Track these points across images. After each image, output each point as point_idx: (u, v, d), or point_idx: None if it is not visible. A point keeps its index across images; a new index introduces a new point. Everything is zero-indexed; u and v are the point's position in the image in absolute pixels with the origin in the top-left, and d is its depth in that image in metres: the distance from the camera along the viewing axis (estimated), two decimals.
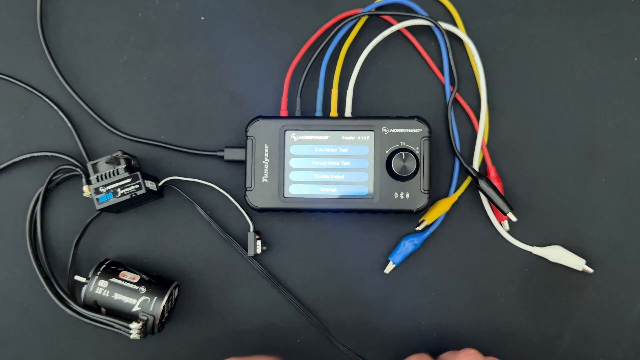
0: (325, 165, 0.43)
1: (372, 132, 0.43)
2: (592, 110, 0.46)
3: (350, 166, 0.43)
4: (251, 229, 0.45)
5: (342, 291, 0.46)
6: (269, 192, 0.43)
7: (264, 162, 0.43)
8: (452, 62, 0.45)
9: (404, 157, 0.42)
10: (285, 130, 0.43)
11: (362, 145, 0.43)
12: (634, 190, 0.45)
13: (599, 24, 0.46)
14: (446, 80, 0.46)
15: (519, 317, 0.45)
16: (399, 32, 0.46)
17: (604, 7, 0.46)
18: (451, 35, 0.45)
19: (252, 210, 0.44)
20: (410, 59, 0.46)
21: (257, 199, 0.43)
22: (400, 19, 0.45)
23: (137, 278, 0.43)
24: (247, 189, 0.43)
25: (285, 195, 0.43)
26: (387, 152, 0.43)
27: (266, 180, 0.43)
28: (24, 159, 0.46)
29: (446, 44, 0.45)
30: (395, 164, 0.42)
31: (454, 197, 0.45)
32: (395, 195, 0.42)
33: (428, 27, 0.46)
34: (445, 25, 0.45)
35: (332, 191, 0.43)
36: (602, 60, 0.46)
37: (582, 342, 0.45)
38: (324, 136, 0.43)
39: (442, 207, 0.44)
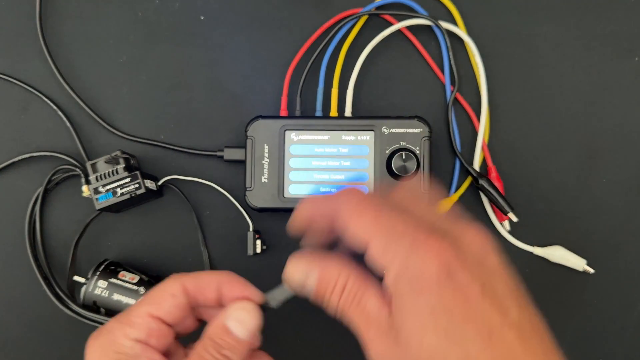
0: (325, 165, 0.43)
1: (372, 132, 0.43)
2: (593, 110, 0.46)
3: (351, 166, 0.43)
4: (251, 229, 0.45)
5: None
6: (268, 192, 0.43)
7: (263, 162, 0.43)
8: (452, 62, 0.45)
9: (404, 157, 0.42)
10: (285, 130, 0.43)
11: (362, 145, 0.43)
12: (634, 190, 0.45)
13: (600, 23, 0.46)
14: (446, 80, 0.46)
15: None
16: (399, 31, 0.46)
17: (605, 6, 0.46)
18: (451, 35, 0.45)
19: (252, 210, 0.43)
20: (410, 58, 0.46)
21: (256, 198, 0.43)
22: (400, 18, 0.45)
23: (136, 278, 0.42)
24: (247, 189, 0.43)
25: (285, 195, 0.43)
26: (387, 152, 0.42)
27: (266, 180, 0.43)
28: (23, 159, 0.46)
29: (447, 44, 0.45)
30: (396, 164, 0.42)
31: (454, 197, 0.45)
32: None
33: (428, 26, 0.46)
34: (446, 25, 0.45)
35: (332, 191, 0.43)
36: (603, 60, 0.46)
37: (582, 342, 0.45)
38: (324, 136, 0.43)
39: (443, 207, 0.44)
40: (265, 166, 0.43)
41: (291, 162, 0.43)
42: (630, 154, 0.45)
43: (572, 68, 0.46)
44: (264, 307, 0.31)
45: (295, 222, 0.30)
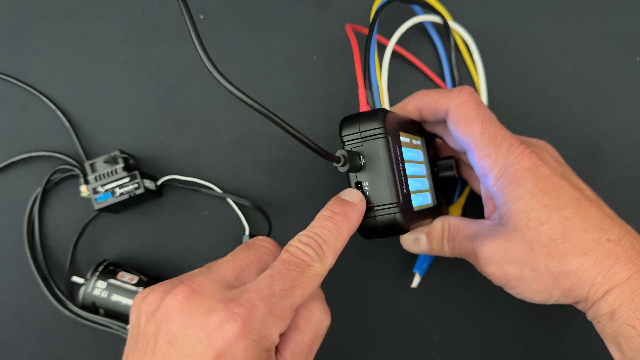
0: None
1: None
2: (593, 110, 0.46)
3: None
4: (247, 232, 0.44)
5: (344, 291, 0.45)
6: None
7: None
8: (453, 62, 0.45)
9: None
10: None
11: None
12: (636, 191, 0.45)
13: (600, 23, 0.46)
14: (447, 81, 0.45)
15: (520, 317, 0.45)
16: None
17: (606, 5, 0.46)
18: (444, 35, 0.45)
19: (256, 212, 0.43)
20: (395, 62, 0.46)
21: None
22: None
23: (135, 279, 0.42)
24: (395, 204, 0.32)
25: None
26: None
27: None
28: (21, 159, 0.46)
29: (453, 44, 0.44)
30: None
31: (461, 201, 0.44)
32: None
33: (421, 29, 0.46)
34: (451, 24, 0.45)
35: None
36: (603, 59, 0.46)
37: (582, 342, 0.45)
38: None
39: (454, 213, 0.44)
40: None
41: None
42: (631, 154, 0.45)
43: (573, 68, 0.46)
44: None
45: (408, 108, 0.37)
